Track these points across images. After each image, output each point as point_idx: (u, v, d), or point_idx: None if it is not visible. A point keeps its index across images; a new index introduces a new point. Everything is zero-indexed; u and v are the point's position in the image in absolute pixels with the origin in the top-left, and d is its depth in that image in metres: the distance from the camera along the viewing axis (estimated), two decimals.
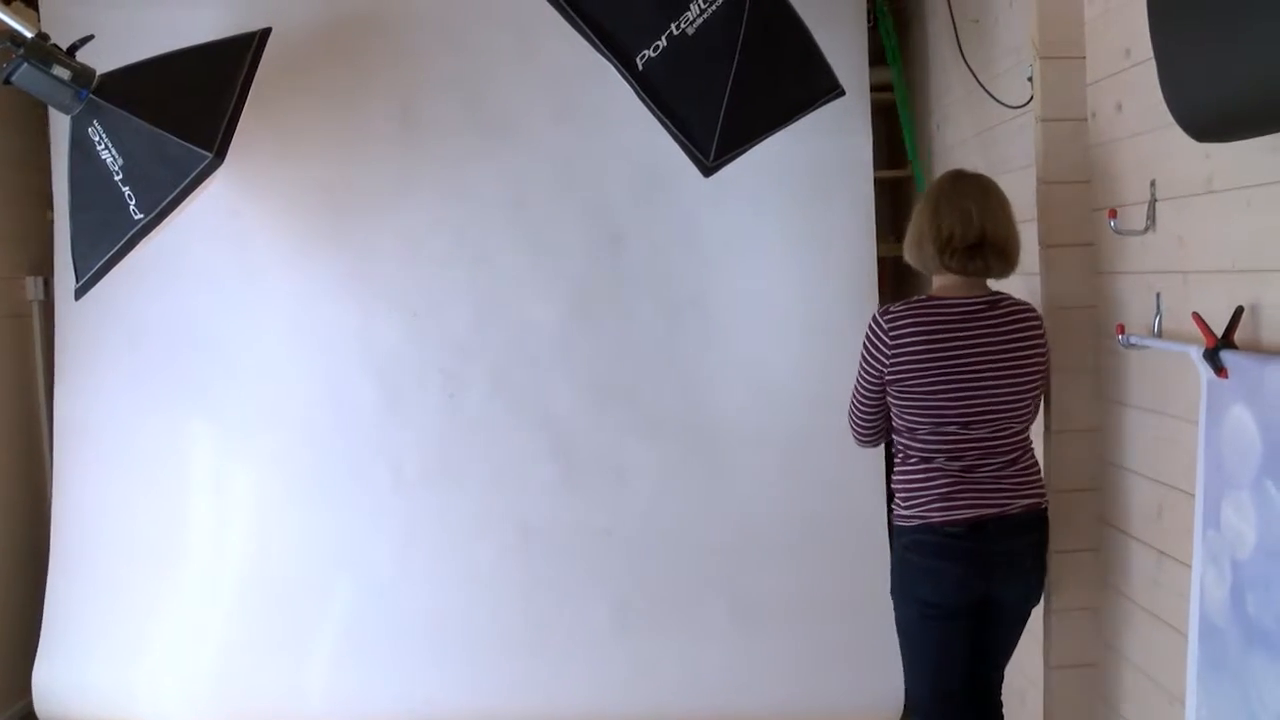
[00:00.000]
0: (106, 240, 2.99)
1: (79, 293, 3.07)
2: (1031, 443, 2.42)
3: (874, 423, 2.48)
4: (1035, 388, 2.38)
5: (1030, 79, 2.57)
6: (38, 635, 3.60)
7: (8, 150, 3.75)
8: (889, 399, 2.40)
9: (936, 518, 2.32)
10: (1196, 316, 1.91)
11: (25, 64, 2.84)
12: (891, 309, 2.37)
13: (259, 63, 3.16)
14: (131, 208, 2.94)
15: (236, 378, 3.60)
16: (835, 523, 3.54)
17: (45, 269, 3.75)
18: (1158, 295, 2.16)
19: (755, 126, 2.85)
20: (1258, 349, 1.81)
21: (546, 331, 3.61)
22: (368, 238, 3.60)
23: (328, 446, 3.61)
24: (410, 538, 3.59)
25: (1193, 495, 1.93)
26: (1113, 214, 2.30)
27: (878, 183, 3.64)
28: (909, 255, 2.46)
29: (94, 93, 2.92)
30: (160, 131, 2.90)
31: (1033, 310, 2.41)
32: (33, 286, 3.80)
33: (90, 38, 2.98)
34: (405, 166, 3.60)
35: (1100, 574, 2.50)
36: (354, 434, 3.60)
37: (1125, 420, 2.36)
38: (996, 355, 2.32)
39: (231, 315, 3.60)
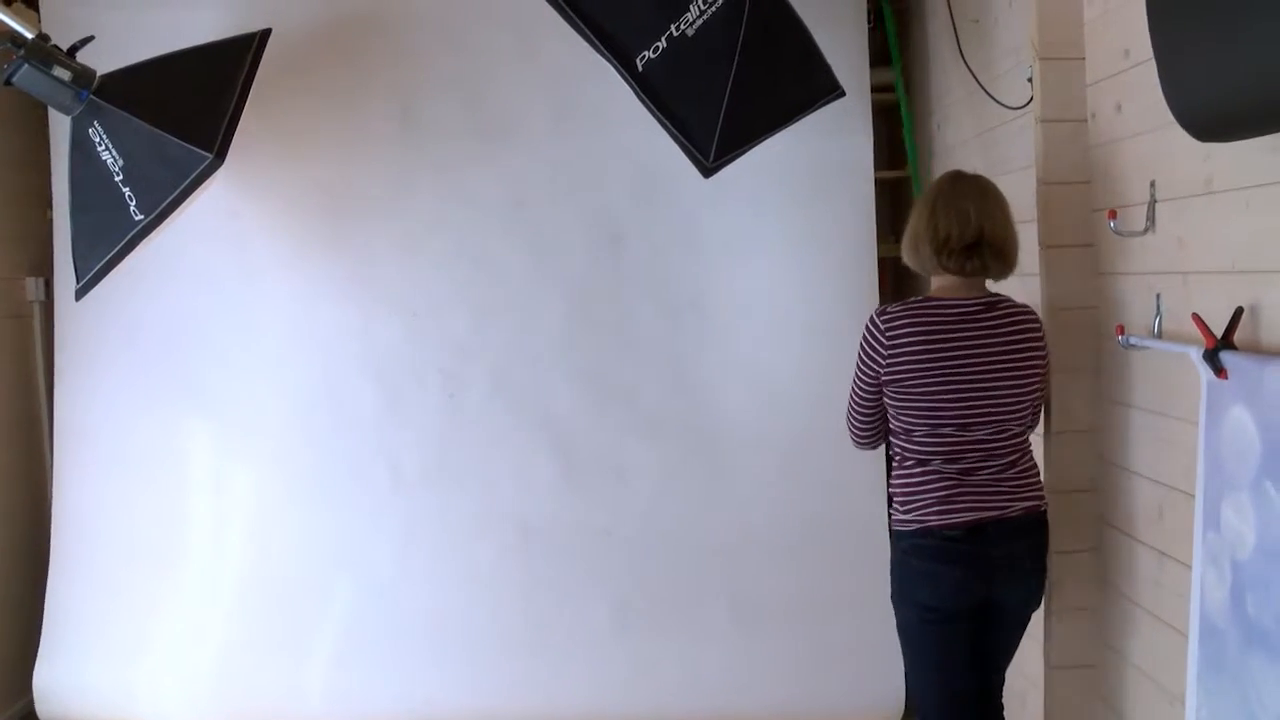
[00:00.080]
0: (107, 241, 2.99)
1: (79, 293, 3.07)
2: (1030, 445, 2.42)
3: (871, 424, 2.48)
4: (1034, 390, 2.37)
5: (1030, 80, 2.57)
6: (38, 635, 3.61)
7: (8, 151, 3.75)
8: (885, 400, 2.39)
9: (935, 521, 2.30)
10: (1196, 317, 1.91)
11: (26, 65, 2.84)
12: (888, 310, 2.37)
13: (259, 63, 3.16)
14: (132, 208, 2.95)
15: (236, 378, 3.60)
16: (835, 523, 3.54)
17: (46, 270, 3.75)
18: (1158, 296, 2.16)
19: (755, 127, 2.86)
20: (1257, 350, 1.81)
21: (546, 332, 3.61)
22: (367, 238, 3.61)
23: (328, 447, 3.61)
24: (410, 538, 3.59)
25: (1193, 496, 1.93)
26: (1112, 215, 2.30)
27: (878, 183, 3.64)
28: (906, 257, 2.45)
29: (94, 94, 2.92)
30: (160, 132, 2.90)
31: (1032, 313, 2.41)
32: (33, 287, 3.80)
33: (91, 39, 2.98)
34: (405, 167, 3.60)
35: (1100, 574, 2.50)
36: (354, 434, 3.60)
37: (1125, 421, 2.36)
38: (994, 357, 2.31)
39: (232, 316, 3.60)
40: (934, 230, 2.34)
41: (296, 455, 3.61)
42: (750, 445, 3.59)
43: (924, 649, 2.40)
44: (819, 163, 3.55)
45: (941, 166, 3.45)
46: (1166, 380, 2.16)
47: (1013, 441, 2.35)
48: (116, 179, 2.94)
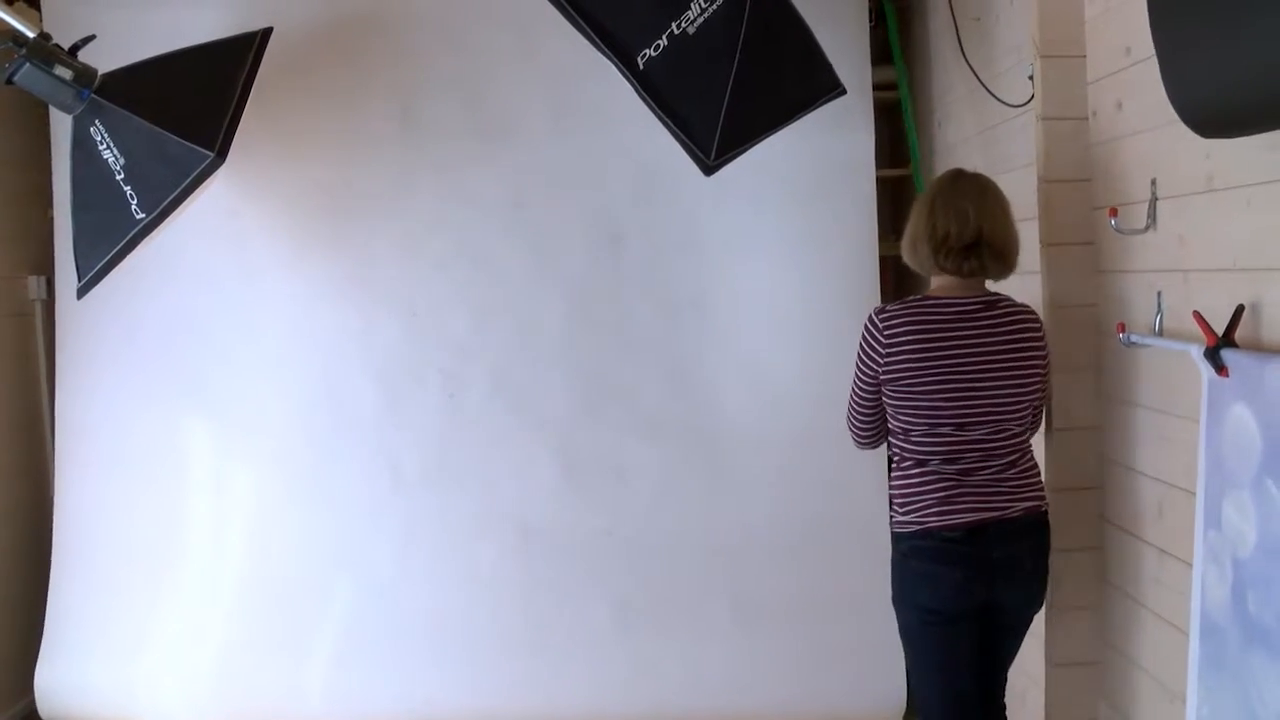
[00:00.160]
0: (108, 240, 2.99)
1: (81, 292, 3.08)
2: (1031, 445, 2.41)
3: (872, 424, 2.47)
4: (1034, 390, 2.36)
5: (1031, 77, 2.57)
6: (40, 634, 3.61)
7: (9, 150, 3.75)
8: (884, 400, 2.39)
9: (934, 522, 2.29)
10: (1197, 315, 1.91)
11: (27, 64, 2.84)
12: (886, 308, 2.36)
13: (261, 62, 3.16)
14: (133, 207, 2.95)
15: (237, 378, 3.60)
16: (836, 522, 3.53)
17: (47, 268, 3.75)
18: (1158, 294, 2.15)
19: (756, 125, 2.85)
20: (1258, 348, 1.81)
21: (546, 332, 3.61)
22: (367, 238, 3.60)
23: (328, 447, 3.61)
24: (410, 538, 3.59)
25: (1194, 494, 1.93)
26: (1113, 213, 2.30)
27: (880, 182, 3.64)
28: (906, 255, 2.45)
29: (96, 92, 2.92)
30: (162, 131, 2.91)
31: (1032, 312, 2.40)
32: (35, 286, 3.81)
33: (92, 37, 2.98)
34: (405, 167, 3.60)
35: (1101, 572, 2.50)
36: (354, 434, 3.60)
37: (1126, 419, 2.36)
38: (992, 356, 2.30)
39: (232, 315, 3.61)
40: (932, 230, 2.34)
41: (297, 455, 3.61)
42: (751, 444, 3.58)
43: (926, 651, 2.39)
44: (820, 161, 3.55)
45: (943, 164, 3.45)
46: (1167, 378, 2.16)
47: (1012, 442, 2.33)
48: (118, 178, 2.94)
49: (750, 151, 2.87)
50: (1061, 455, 2.52)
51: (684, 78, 2.73)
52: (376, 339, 3.61)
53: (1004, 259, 2.36)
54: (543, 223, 3.61)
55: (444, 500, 3.59)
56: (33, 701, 3.61)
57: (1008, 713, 2.51)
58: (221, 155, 2.95)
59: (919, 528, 2.31)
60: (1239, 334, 1.83)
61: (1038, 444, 2.47)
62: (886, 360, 2.32)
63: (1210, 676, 1.86)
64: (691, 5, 2.67)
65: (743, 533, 3.56)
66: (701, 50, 2.70)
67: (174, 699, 3.53)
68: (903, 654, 2.52)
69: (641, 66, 2.70)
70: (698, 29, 2.69)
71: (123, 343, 3.62)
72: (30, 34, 2.88)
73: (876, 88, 3.63)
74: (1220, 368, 1.83)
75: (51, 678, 3.58)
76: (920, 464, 2.34)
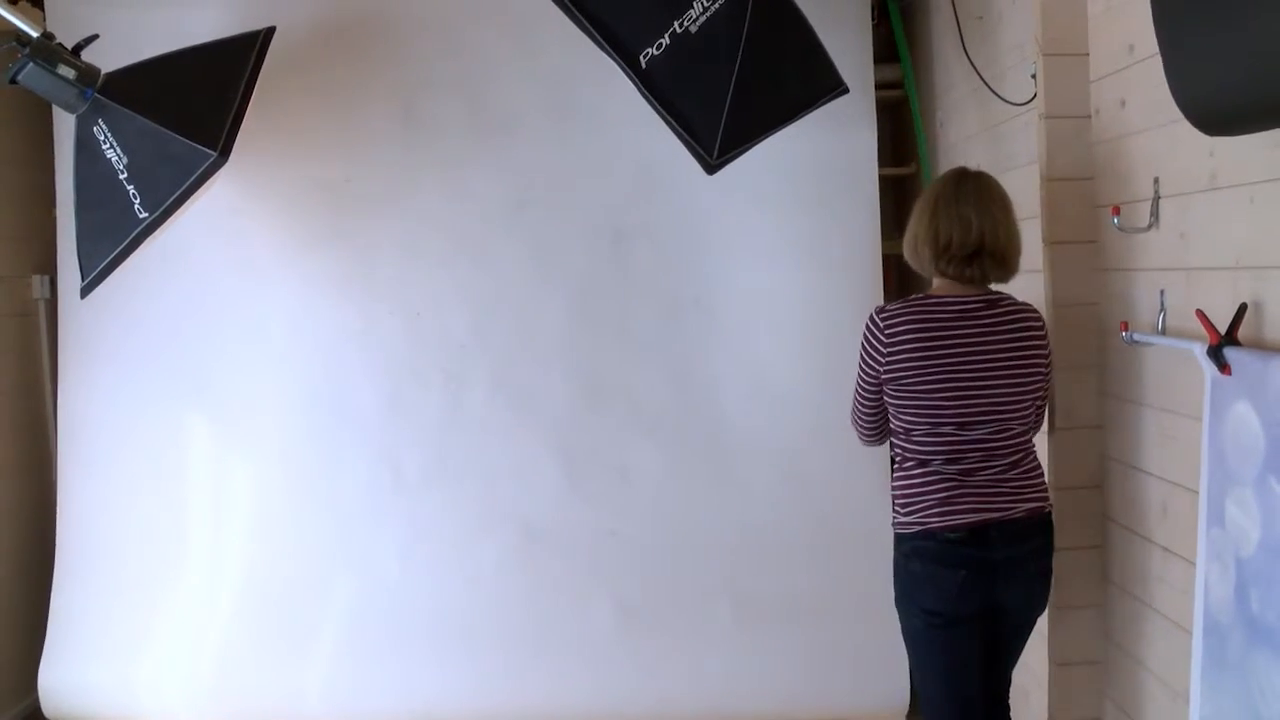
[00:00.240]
0: (111, 239, 2.99)
1: (84, 291, 3.08)
2: (1034, 445, 2.40)
3: (875, 422, 2.47)
4: (1036, 389, 2.35)
5: (1034, 76, 2.57)
6: (44, 634, 3.61)
7: (13, 149, 3.76)
8: (886, 399, 2.38)
9: (936, 523, 2.28)
10: (1200, 313, 1.91)
11: (30, 63, 2.85)
12: (887, 307, 2.36)
13: (264, 61, 3.17)
14: (136, 206, 2.95)
15: (239, 377, 3.60)
16: (839, 522, 3.53)
17: (50, 268, 3.76)
18: (1161, 292, 2.15)
19: (759, 124, 2.85)
20: (1261, 346, 1.81)
21: (548, 331, 3.61)
22: (369, 237, 3.60)
23: (330, 446, 3.61)
24: (412, 538, 3.59)
25: (1197, 492, 1.92)
26: (1116, 211, 2.30)
27: (882, 180, 3.63)
28: (907, 254, 2.44)
29: (99, 92, 2.92)
30: (165, 130, 2.91)
31: (1034, 311, 2.39)
32: (38, 285, 3.81)
33: (95, 37, 2.98)
34: (407, 166, 3.60)
35: (1104, 571, 2.50)
36: (356, 433, 3.60)
37: (1129, 417, 2.35)
38: (994, 354, 2.30)
39: (234, 314, 3.61)
40: (934, 234, 2.33)
41: (298, 454, 3.61)
42: (754, 444, 3.58)
43: (930, 654, 2.37)
44: (823, 159, 3.55)
45: (945, 163, 3.45)
46: (1170, 376, 2.16)
47: (1014, 441, 2.33)
48: (121, 177, 2.94)
49: (752, 150, 2.86)
50: (1064, 454, 2.52)
51: (686, 76, 2.73)
52: (378, 337, 3.61)
53: (1006, 265, 2.35)
54: (545, 222, 3.61)
55: (445, 500, 3.59)
56: (36, 701, 3.61)
57: (1011, 712, 2.51)
58: (224, 154, 2.95)
59: (920, 529, 2.31)
60: (1242, 332, 1.83)
61: (1040, 442, 2.47)
62: (888, 359, 2.32)
63: (1213, 675, 1.86)
64: (694, 4, 2.67)
65: (745, 532, 3.56)
66: (704, 49, 2.70)
67: (176, 698, 3.53)
68: (905, 654, 2.51)
69: (644, 65, 2.70)
70: (700, 28, 2.69)
71: (125, 342, 3.63)
72: (33, 33, 2.89)
73: (879, 86, 3.62)
74: (1223, 366, 1.83)
75: (55, 677, 3.59)
76: (922, 464, 2.33)
